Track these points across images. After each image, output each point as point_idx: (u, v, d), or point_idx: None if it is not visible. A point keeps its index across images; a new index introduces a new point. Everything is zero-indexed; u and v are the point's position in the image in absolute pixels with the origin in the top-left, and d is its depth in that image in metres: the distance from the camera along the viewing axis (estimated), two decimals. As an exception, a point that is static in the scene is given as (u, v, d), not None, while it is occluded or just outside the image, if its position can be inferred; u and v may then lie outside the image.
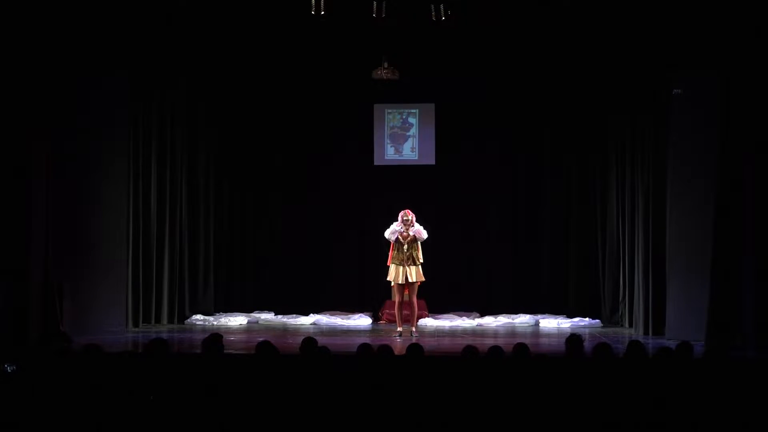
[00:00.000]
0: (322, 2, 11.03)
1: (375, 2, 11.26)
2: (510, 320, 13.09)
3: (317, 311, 13.53)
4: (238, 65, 13.44)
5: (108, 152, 11.25)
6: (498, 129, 13.97)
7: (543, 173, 13.96)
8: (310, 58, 13.38)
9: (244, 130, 14.19)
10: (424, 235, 11.18)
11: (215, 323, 12.91)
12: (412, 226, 11.14)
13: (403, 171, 13.91)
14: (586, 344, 6.71)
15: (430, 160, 14.25)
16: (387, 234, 11.23)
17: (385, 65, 12.85)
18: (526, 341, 6.88)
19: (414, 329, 11.33)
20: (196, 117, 13.37)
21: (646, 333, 11.21)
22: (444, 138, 14.20)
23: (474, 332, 12.17)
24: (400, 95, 13.94)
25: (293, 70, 13.69)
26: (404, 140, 14.29)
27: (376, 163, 14.34)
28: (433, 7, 11.33)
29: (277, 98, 14.10)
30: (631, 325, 12.06)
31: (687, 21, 10.27)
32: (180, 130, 12.97)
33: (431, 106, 14.28)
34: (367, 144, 14.31)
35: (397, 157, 14.29)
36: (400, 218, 11.21)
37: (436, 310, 13.46)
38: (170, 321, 12.82)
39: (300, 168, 14.29)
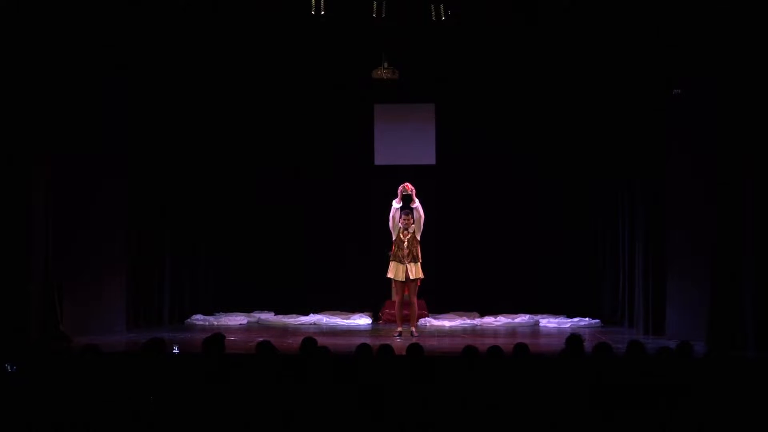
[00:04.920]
0: (322, 2, 11.03)
1: (375, 2, 11.26)
2: (510, 320, 13.09)
3: (317, 311, 13.55)
4: (238, 65, 13.42)
5: (108, 151, 11.24)
6: (497, 129, 13.97)
7: (542, 173, 13.96)
8: (310, 58, 13.37)
9: (244, 129, 14.20)
10: (422, 213, 11.12)
11: (215, 323, 12.92)
12: (414, 202, 11.08)
13: (403, 171, 13.87)
14: (586, 344, 6.71)
15: (430, 160, 14.25)
16: (390, 214, 11.19)
17: (385, 65, 12.85)
18: (526, 341, 6.87)
19: (414, 329, 11.32)
20: (196, 116, 13.36)
21: (646, 333, 11.20)
22: (444, 138, 14.21)
23: (474, 332, 12.18)
24: (400, 95, 13.94)
25: (293, 70, 13.69)
26: (405, 140, 14.28)
27: (376, 163, 14.34)
28: (433, 7, 11.33)
29: (277, 98, 14.10)
30: (631, 325, 12.05)
31: (686, 24, 10.28)
32: (179, 129, 12.96)
33: (431, 106, 14.29)
34: (367, 144, 14.31)
35: (397, 156, 14.27)
36: (399, 193, 11.16)
37: (436, 310, 13.47)
38: (170, 321, 12.81)
39: (300, 168, 14.29)
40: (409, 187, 11.11)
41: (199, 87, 13.24)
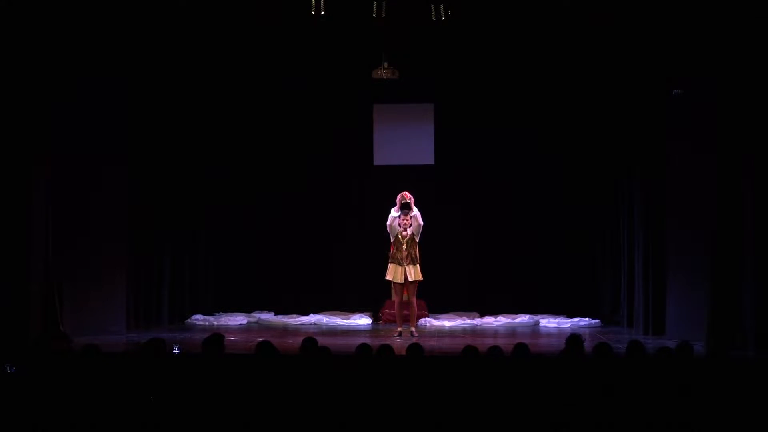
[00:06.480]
0: (322, 2, 11.03)
1: (375, 2, 11.25)
2: (510, 320, 13.09)
3: (317, 311, 13.55)
4: (238, 65, 13.43)
5: (108, 152, 11.23)
6: (497, 129, 13.96)
7: (542, 173, 13.95)
8: (310, 58, 13.37)
9: (244, 129, 14.20)
10: (421, 221, 11.14)
11: (215, 323, 12.92)
12: (412, 211, 11.09)
13: (402, 171, 13.91)
14: (586, 344, 6.71)
15: (430, 160, 14.25)
16: (388, 222, 11.21)
17: (385, 65, 12.84)
18: (526, 341, 6.87)
19: (414, 329, 11.32)
20: (196, 116, 13.35)
21: (646, 333, 11.21)
22: (443, 138, 14.20)
23: (474, 332, 12.18)
24: (400, 95, 13.93)
25: (293, 70, 13.69)
26: (404, 140, 14.27)
27: (376, 163, 14.34)
28: (433, 7, 11.33)
29: (277, 98, 14.10)
30: (631, 325, 12.05)
31: (686, 26, 10.29)
32: (179, 130, 12.95)
33: (431, 106, 14.27)
34: (367, 144, 14.31)
35: (396, 157, 14.26)
36: (398, 202, 11.17)
37: (436, 310, 13.47)
38: (170, 321, 12.81)
39: (300, 168, 14.29)
40: (407, 195, 11.13)
41: (198, 87, 13.22)
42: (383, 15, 11.34)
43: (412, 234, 11.16)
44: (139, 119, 11.85)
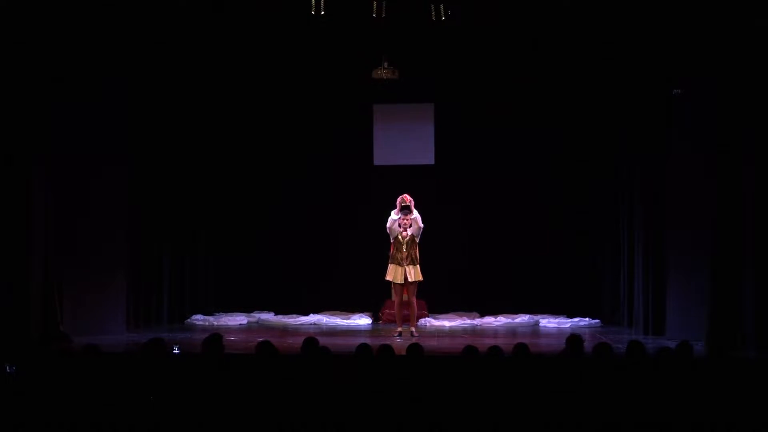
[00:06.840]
0: (322, 2, 11.03)
1: (375, 2, 11.26)
2: (510, 320, 13.09)
3: (317, 311, 13.55)
4: (238, 65, 13.43)
5: (108, 151, 11.23)
6: (497, 129, 13.96)
7: (542, 172, 13.95)
8: (310, 58, 13.37)
9: (244, 129, 14.20)
10: (421, 223, 11.15)
11: (215, 323, 12.92)
12: (412, 213, 11.10)
13: (402, 171, 13.91)
14: (586, 344, 6.71)
15: (430, 160, 14.25)
16: (387, 225, 11.22)
17: (385, 65, 12.85)
18: (526, 341, 6.87)
19: (414, 329, 11.32)
20: (196, 117, 13.35)
21: (646, 333, 11.21)
22: (443, 138, 14.20)
23: (474, 332, 12.18)
24: (400, 95, 13.93)
25: (293, 70, 13.69)
26: (404, 140, 14.27)
27: (376, 163, 14.34)
28: (433, 7, 11.33)
29: (277, 98, 14.10)
30: (631, 325, 12.05)
31: (686, 26, 10.29)
32: (180, 130, 12.96)
33: (430, 106, 14.27)
34: (367, 144, 14.31)
35: (396, 157, 14.26)
36: (398, 205, 11.18)
37: (436, 310, 13.47)
38: (170, 321, 12.81)
39: (300, 168, 14.29)
40: (407, 198, 11.14)
41: (199, 87, 13.23)
42: (383, 15, 11.33)
43: (412, 235, 11.15)
44: (139, 119, 11.84)
